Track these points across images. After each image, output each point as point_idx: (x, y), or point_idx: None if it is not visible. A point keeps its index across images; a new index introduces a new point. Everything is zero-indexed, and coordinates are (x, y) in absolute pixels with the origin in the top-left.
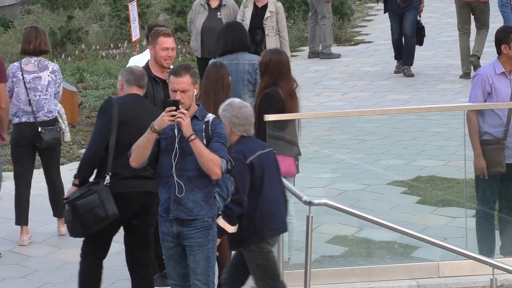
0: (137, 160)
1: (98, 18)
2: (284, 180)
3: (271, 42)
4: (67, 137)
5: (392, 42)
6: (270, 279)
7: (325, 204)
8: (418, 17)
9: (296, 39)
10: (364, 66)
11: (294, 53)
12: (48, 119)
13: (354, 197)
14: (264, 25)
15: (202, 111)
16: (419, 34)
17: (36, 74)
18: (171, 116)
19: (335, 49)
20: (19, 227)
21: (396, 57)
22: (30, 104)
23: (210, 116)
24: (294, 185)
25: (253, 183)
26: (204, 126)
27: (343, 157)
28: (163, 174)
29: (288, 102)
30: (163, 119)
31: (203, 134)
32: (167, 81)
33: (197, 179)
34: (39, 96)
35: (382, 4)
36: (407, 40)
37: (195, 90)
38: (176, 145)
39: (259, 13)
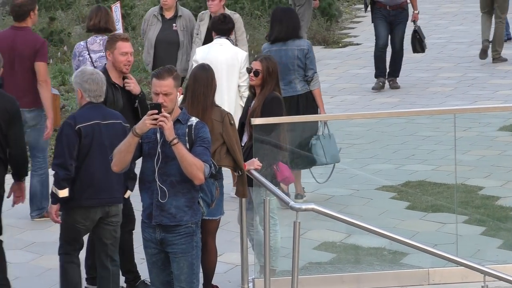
0: (119, 165)
1: (81, 20)
2: (270, 185)
3: None
4: None
5: (374, 53)
6: (67, 243)
7: (313, 210)
8: (413, 24)
9: None
10: (352, 68)
11: None
12: None
13: (343, 203)
14: None
15: (185, 115)
16: (419, 42)
17: (102, 53)
18: (153, 120)
19: (321, 51)
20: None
21: (376, 74)
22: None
23: (194, 120)
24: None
25: (79, 150)
26: (187, 130)
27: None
28: (145, 179)
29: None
30: (145, 123)
31: (186, 138)
32: (125, 86)
33: (180, 184)
34: None
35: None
36: (395, 52)
37: (178, 93)
38: (159, 149)
39: None
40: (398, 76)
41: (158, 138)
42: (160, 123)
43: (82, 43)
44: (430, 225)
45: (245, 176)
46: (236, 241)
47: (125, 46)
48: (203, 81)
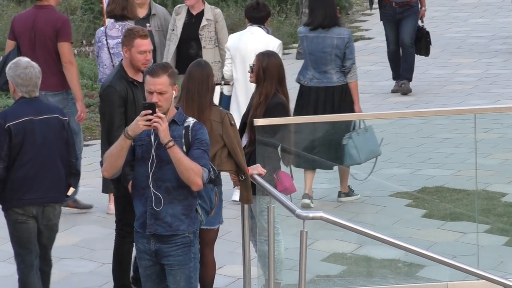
0: (110, 170)
1: (69, 12)
2: (275, 192)
3: (209, 56)
4: None
5: (388, 55)
6: (19, 247)
7: (321, 218)
8: (420, 22)
9: (289, 35)
10: (363, 65)
11: (285, 51)
12: None
13: (354, 210)
14: (200, 36)
15: (182, 115)
16: (424, 42)
17: (119, 40)
18: (146, 121)
19: None
20: None
21: (394, 77)
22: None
23: (191, 121)
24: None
25: (10, 149)
26: (183, 131)
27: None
28: (138, 185)
29: (289, 109)
30: (138, 124)
31: (183, 140)
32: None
33: (177, 191)
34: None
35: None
36: (405, 50)
37: (173, 92)
38: (153, 153)
39: (193, 21)
40: (411, 80)
41: (152, 140)
42: (155, 124)
43: (102, 28)
44: (449, 235)
45: (249, 180)
46: (238, 252)
47: (144, 44)
48: (198, 78)
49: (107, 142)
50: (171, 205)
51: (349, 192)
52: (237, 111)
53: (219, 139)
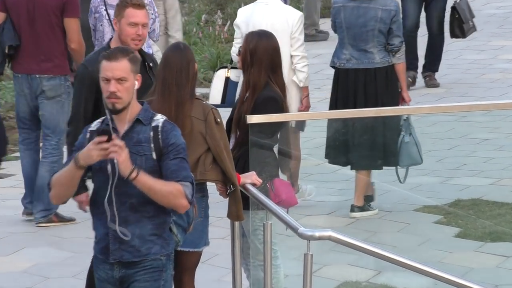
0: (59, 199)
1: None
2: (272, 205)
3: (155, 45)
4: None
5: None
6: None
7: (330, 238)
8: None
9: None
10: None
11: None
12: None
13: (370, 228)
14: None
15: (148, 112)
16: (458, 23)
17: None
18: (101, 150)
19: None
20: None
21: (410, 66)
22: None
23: (159, 119)
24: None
25: None
26: (152, 133)
27: (354, 173)
28: (98, 201)
29: (284, 103)
30: (91, 154)
31: (152, 145)
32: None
33: (145, 207)
34: None
35: None
36: (432, 38)
37: (136, 82)
38: (115, 160)
39: None
40: (437, 70)
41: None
42: (112, 154)
43: None
44: (488, 259)
45: (239, 192)
46: (226, 280)
47: (136, 15)
48: (175, 65)
49: (67, 132)
50: (139, 224)
51: (365, 206)
52: None
53: (202, 141)
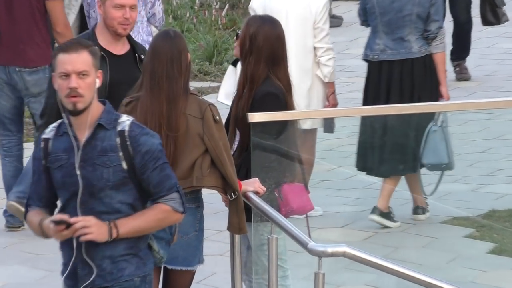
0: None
1: None
2: (277, 216)
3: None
4: None
5: None
6: None
7: (344, 255)
8: None
9: None
10: None
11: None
12: None
13: (391, 243)
14: None
15: (111, 114)
16: (491, 8)
17: None
18: (64, 236)
19: (342, 9)
20: None
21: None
22: None
23: (125, 121)
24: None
25: None
26: (118, 139)
27: (372, 179)
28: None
29: (289, 100)
30: (55, 236)
31: (120, 154)
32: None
33: None
34: None
35: None
36: (459, 25)
37: (97, 79)
38: (77, 173)
39: None
40: (465, 57)
41: (75, 157)
42: (82, 238)
43: None
44: None
45: (241, 200)
46: None
47: None
48: (166, 55)
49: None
50: (110, 244)
51: (389, 214)
52: None
53: (199, 141)
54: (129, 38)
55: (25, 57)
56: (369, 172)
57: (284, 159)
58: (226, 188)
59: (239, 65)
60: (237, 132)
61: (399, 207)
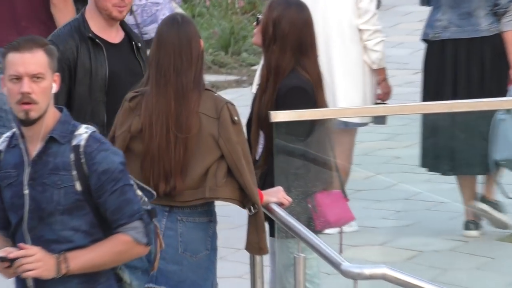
0: None
1: None
2: (305, 232)
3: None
4: None
5: None
6: None
7: (384, 277)
8: None
9: None
10: None
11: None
12: None
13: (438, 264)
14: None
15: (67, 124)
16: None
17: None
18: (12, 273)
19: None
20: None
21: None
22: (132, 14)
23: (82, 134)
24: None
25: None
26: (72, 156)
27: (416, 188)
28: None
29: (319, 95)
30: (3, 274)
31: (73, 173)
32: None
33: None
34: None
35: None
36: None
37: (53, 84)
38: (25, 194)
39: None
40: None
41: (24, 175)
42: (25, 274)
43: None
44: None
45: (262, 215)
46: None
47: None
48: (173, 45)
49: None
50: (62, 279)
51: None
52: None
53: (213, 145)
54: (123, 23)
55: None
56: (438, 170)
57: (313, 165)
58: (244, 200)
59: None
60: (261, 134)
61: (448, 222)
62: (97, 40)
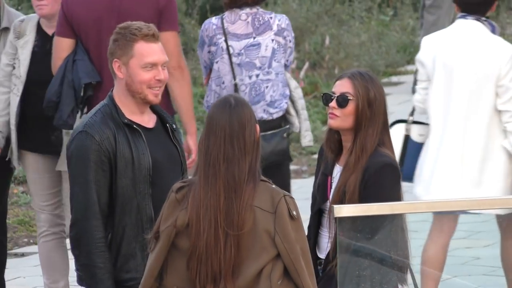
0: None
1: None
2: None
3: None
4: (307, 139)
5: None
6: None
7: None
8: None
9: None
10: None
11: None
12: (271, 118)
13: None
14: None
15: None
16: None
17: (251, 40)
18: None
19: None
20: None
21: None
22: (236, 90)
23: None
24: None
25: None
26: None
27: None
28: None
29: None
30: None
31: None
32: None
33: None
34: (256, 77)
35: None
36: None
37: None
38: None
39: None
40: None
41: None
42: None
43: (214, 20)
44: None
45: None
46: None
47: (152, 51)
48: (223, 130)
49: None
50: None
51: None
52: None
53: (269, 243)
54: (152, 105)
55: None
56: None
57: (381, 266)
58: None
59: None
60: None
61: None
62: (134, 126)
